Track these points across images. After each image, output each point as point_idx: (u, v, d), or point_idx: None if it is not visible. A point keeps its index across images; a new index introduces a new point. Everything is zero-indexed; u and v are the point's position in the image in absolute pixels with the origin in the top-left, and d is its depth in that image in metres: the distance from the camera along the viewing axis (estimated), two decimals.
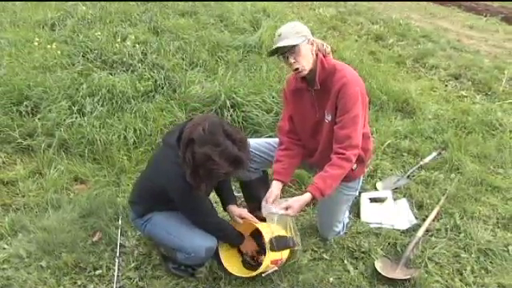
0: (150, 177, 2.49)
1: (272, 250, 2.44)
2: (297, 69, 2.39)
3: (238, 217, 2.61)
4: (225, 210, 2.72)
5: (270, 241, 2.45)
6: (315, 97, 2.51)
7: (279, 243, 2.47)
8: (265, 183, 2.86)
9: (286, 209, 2.37)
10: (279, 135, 2.77)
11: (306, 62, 2.38)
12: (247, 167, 2.29)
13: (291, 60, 2.37)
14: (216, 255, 2.57)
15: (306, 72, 2.41)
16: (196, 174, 2.18)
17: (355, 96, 2.38)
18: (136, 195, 2.60)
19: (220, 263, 2.60)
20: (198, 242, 2.42)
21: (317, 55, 2.43)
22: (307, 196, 2.38)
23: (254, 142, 2.79)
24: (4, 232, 2.90)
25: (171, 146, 2.29)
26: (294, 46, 2.34)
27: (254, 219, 2.60)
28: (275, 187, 2.55)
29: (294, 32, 2.35)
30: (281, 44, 2.35)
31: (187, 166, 2.17)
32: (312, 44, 2.39)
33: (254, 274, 2.48)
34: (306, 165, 2.79)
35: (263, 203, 2.48)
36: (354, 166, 2.57)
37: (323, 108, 2.49)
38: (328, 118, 2.48)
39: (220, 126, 2.17)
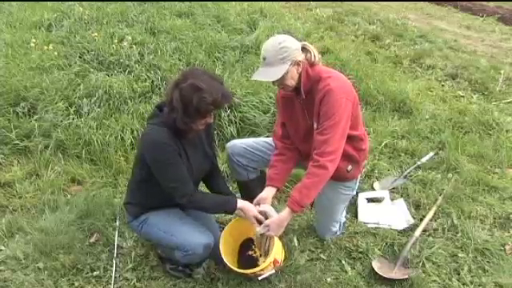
0: (135, 162, 2.51)
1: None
2: (282, 88, 2.47)
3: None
4: None
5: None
6: (304, 104, 2.52)
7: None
8: (263, 183, 2.86)
9: (268, 228, 2.43)
10: (274, 140, 2.78)
11: (290, 82, 2.40)
12: (231, 101, 2.30)
13: (276, 84, 2.45)
14: (213, 255, 2.57)
15: (290, 89, 2.45)
16: (186, 114, 2.20)
17: (337, 103, 2.36)
18: (129, 195, 2.60)
19: (219, 261, 2.60)
20: (196, 239, 2.41)
21: (302, 66, 2.41)
22: (285, 212, 2.42)
23: (252, 142, 2.81)
24: (1, 233, 2.89)
25: (152, 115, 2.40)
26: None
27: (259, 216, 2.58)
28: (266, 192, 2.57)
29: (279, 57, 2.31)
30: (262, 78, 2.39)
31: (176, 109, 2.19)
32: (298, 64, 2.36)
33: (256, 270, 2.45)
34: (304, 167, 2.79)
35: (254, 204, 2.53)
36: (349, 167, 2.59)
37: (311, 115, 2.49)
38: (314, 125, 2.48)
39: (197, 68, 2.33)
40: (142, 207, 2.53)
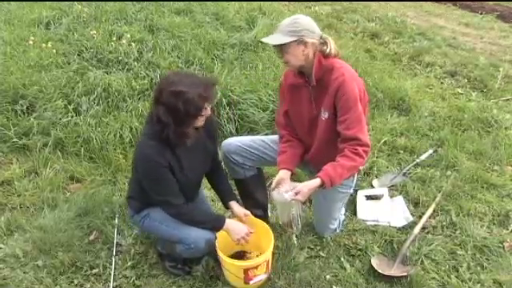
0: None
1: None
2: (285, 62, 2.46)
3: (242, 215, 2.59)
4: (225, 206, 2.72)
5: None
6: (312, 93, 2.51)
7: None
8: (260, 180, 2.87)
9: (296, 194, 2.36)
10: (278, 129, 2.78)
11: (293, 59, 2.40)
12: (216, 83, 2.32)
13: (279, 54, 2.46)
14: (213, 252, 2.56)
15: (293, 67, 2.46)
16: (177, 123, 2.19)
17: (355, 94, 2.38)
18: (131, 190, 2.61)
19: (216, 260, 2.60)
20: (198, 233, 2.42)
21: (314, 54, 2.41)
22: (317, 181, 2.36)
23: (248, 140, 2.79)
24: (0, 231, 2.89)
25: (146, 122, 2.40)
26: (279, 44, 2.37)
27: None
28: (282, 173, 2.54)
29: (288, 29, 2.35)
30: (266, 40, 2.43)
31: (168, 124, 2.18)
32: (305, 45, 2.36)
33: (251, 263, 2.42)
34: (307, 170, 2.79)
35: (272, 188, 2.49)
36: None
37: (320, 104, 2.49)
38: (324, 115, 2.47)
39: (168, 74, 2.31)
40: (142, 203, 2.53)
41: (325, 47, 2.42)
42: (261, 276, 2.46)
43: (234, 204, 2.65)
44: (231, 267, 2.45)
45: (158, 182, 2.34)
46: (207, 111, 2.27)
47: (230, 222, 2.49)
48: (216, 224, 2.47)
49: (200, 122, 2.29)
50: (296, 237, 2.87)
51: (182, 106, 2.14)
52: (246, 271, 2.40)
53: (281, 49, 2.39)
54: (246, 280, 2.44)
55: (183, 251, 2.49)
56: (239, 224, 2.53)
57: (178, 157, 2.34)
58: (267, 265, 2.48)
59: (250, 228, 2.52)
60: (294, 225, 2.54)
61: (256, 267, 2.41)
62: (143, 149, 2.31)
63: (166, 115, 2.16)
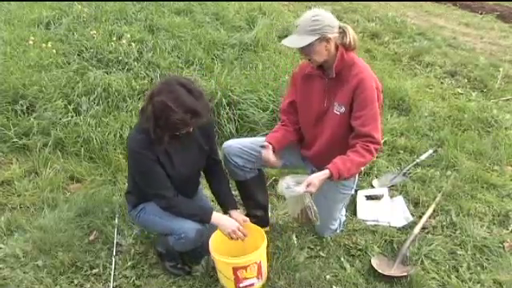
0: None
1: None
2: (309, 59, 2.46)
3: (241, 222, 2.55)
4: (225, 213, 2.69)
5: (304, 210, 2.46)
6: (328, 85, 2.51)
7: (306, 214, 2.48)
8: (261, 182, 2.86)
9: (307, 186, 2.36)
10: (281, 114, 2.81)
11: (317, 56, 2.40)
12: (206, 117, 2.29)
13: (302, 54, 2.45)
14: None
15: (317, 63, 2.45)
16: (157, 126, 2.22)
17: (373, 92, 2.40)
18: (129, 185, 2.64)
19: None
20: (189, 224, 2.43)
21: (337, 48, 2.42)
22: (326, 172, 2.38)
23: (249, 142, 2.77)
24: (0, 231, 2.89)
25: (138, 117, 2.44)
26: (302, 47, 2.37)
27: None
28: (266, 149, 2.58)
29: (309, 29, 2.33)
30: (288, 44, 2.41)
31: (149, 120, 2.21)
32: (328, 41, 2.36)
33: (240, 261, 2.37)
34: (300, 158, 2.78)
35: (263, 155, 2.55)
36: None
37: (333, 98, 2.49)
38: (340, 109, 2.48)
39: (175, 79, 2.27)
40: (139, 197, 2.56)
41: (345, 38, 2.42)
42: (252, 280, 2.43)
43: (233, 212, 2.62)
44: (221, 265, 2.44)
45: (146, 174, 2.37)
46: (188, 129, 2.30)
47: (217, 216, 2.49)
48: (203, 217, 2.48)
49: (181, 132, 2.31)
50: (296, 237, 2.87)
51: (164, 118, 2.19)
52: (235, 271, 2.38)
53: (303, 49, 2.38)
54: (237, 282, 2.42)
55: (175, 243, 2.49)
56: (228, 219, 2.52)
57: (169, 153, 2.37)
58: (259, 269, 2.44)
59: (244, 229, 2.50)
60: (311, 215, 2.53)
61: (245, 268, 2.37)
62: (132, 142, 2.36)
63: (150, 114, 2.21)
